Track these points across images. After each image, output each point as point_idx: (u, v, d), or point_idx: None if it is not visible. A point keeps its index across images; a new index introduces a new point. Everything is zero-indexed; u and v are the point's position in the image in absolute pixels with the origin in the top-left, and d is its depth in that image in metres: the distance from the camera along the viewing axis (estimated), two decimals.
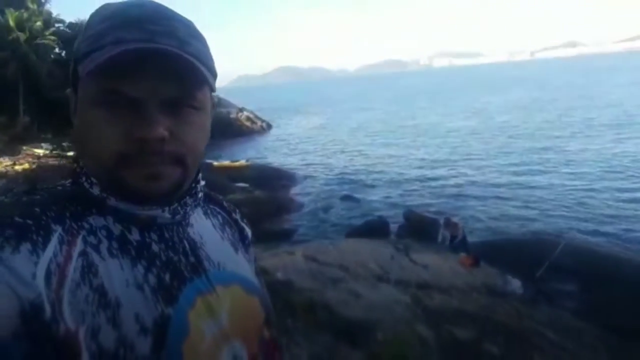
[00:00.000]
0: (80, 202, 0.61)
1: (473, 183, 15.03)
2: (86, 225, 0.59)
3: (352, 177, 17.29)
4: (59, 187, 0.64)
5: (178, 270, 0.62)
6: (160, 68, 0.55)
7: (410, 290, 5.59)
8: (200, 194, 0.69)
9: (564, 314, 5.72)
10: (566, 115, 28.42)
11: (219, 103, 5.74)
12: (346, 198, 14.48)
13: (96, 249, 0.57)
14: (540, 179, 14.90)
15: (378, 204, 13.75)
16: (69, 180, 0.65)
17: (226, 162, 18.95)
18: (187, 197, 0.65)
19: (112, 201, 0.60)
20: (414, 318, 4.69)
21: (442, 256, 7.63)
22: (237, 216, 0.81)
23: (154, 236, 0.62)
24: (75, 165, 0.65)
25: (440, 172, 17.06)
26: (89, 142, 0.58)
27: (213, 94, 0.65)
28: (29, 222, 0.55)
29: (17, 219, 0.55)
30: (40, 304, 0.51)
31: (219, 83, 0.65)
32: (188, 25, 0.60)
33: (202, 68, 0.57)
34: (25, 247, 0.52)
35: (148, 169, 0.57)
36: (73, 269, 0.54)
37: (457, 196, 13.78)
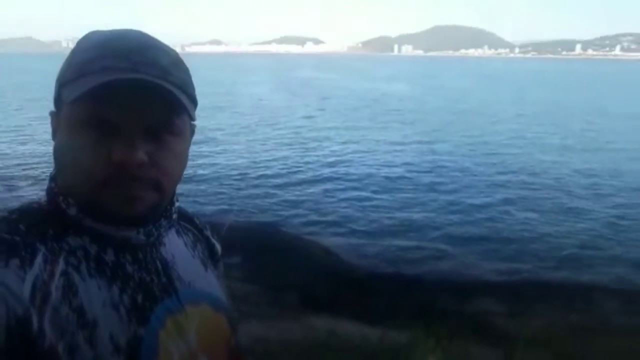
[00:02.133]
0: (58, 222, 0.62)
1: None
2: (66, 246, 0.60)
3: None
4: (35, 205, 0.64)
5: (150, 291, 0.64)
6: (142, 96, 0.58)
7: None
8: (175, 216, 0.71)
9: (234, 282, 6.80)
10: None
11: None
12: None
13: (77, 269, 0.59)
14: None
15: None
16: (45, 199, 0.65)
17: None
18: (162, 219, 0.67)
19: (88, 222, 0.61)
20: None
21: None
22: (208, 233, 0.83)
23: (128, 257, 0.64)
24: (52, 184, 0.65)
25: None
26: (69, 164, 0.60)
27: (192, 122, 0.68)
28: (17, 239, 0.57)
29: (4, 235, 0.57)
30: (29, 318, 0.52)
31: None
32: (170, 55, 0.63)
33: (182, 97, 0.60)
34: (14, 262, 0.54)
35: (126, 192, 0.59)
36: (55, 288, 0.56)
37: None
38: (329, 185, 13.21)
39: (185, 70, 0.65)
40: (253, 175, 13.55)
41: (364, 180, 13.80)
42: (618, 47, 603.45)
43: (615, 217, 11.23)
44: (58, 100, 0.63)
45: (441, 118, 26.61)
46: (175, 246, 0.72)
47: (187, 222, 0.80)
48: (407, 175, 14.40)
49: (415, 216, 10.96)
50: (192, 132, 0.70)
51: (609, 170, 15.17)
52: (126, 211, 0.60)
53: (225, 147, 17.27)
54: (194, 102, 0.66)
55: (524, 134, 21.64)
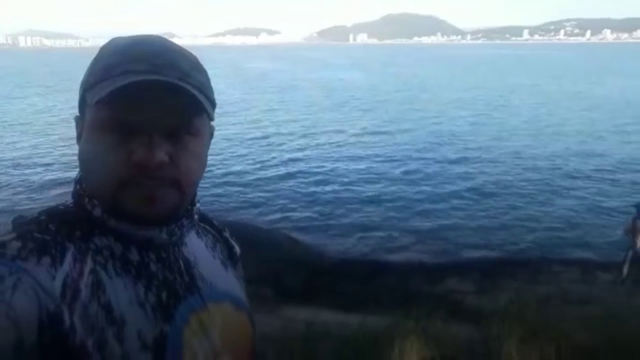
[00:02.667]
0: (84, 222, 0.63)
1: None
2: (92, 246, 0.61)
3: None
4: (61, 207, 0.66)
5: (174, 289, 0.65)
6: (161, 98, 0.59)
7: None
8: (196, 216, 0.72)
9: None
10: None
11: None
12: None
13: (104, 267, 0.60)
14: None
15: None
16: (71, 201, 0.67)
17: None
18: (184, 219, 0.68)
19: (112, 222, 0.62)
20: None
21: None
22: (227, 234, 0.84)
23: (152, 256, 0.65)
24: (77, 187, 0.66)
25: None
26: (93, 166, 0.61)
27: (212, 123, 0.69)
28: (47, 237, 0.59)
29: (36, 234, 0.58)
30: (60, 314, 0.53)
31: None
32: (190, 59, 0.65)
33: (201, 98, 0.61)
34: (46, 260, 0.56)
35: (145, 192, 0.60)
36: (84, 285, 0.57)
37: None
38: (293, 181, 13.16)
39: (204, 73, 0.66)
40: (217, 173, 13.39)
41: (329, 173, 13.83)
42: (562, 32, 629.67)
43: (575, 198, 11.78)
44: (82, 104, 0.64)
45: (400, 105, 27.05)
46: (197, 247, 0.74)
47: (207, 223, 0.81)
48: (372, 166, 14.52)
49: (381, 207, 11.06)
50: (211, 134, 0.71)
51: (568, 153, 15.80)
52: (145, 211, 0.61)
53: None
54: (213, 104, 0.67)
55: (482, 119, 22.29)
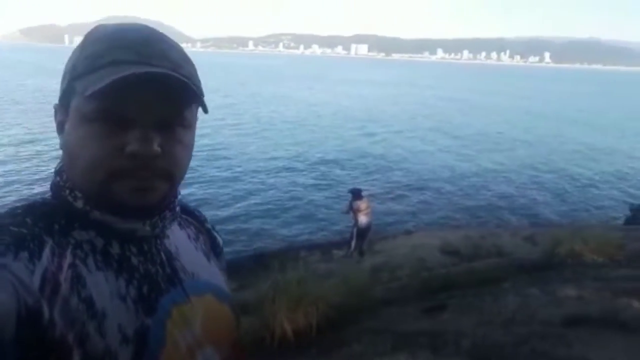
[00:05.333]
0: (63, 216, 0.62)
1: None
2: (72, 240, 0.60)
3: None
4: (39, 200, 0.64)
5: (155, 282, 0.65)
6: (155, 89, 0.58)
7: None
8: (178, 208, 0.71)
9: None
10: None
11: None
12: None
13: (84, 261, 0.59)
14: None
15: None
16: (49, 194, 0.65)
17: None
18: (167, 211, 0.67)
19: (95, 214, 0.62)
20: None
21: None
22: (209, 226, 0.83)
23: (133, 249, 0.65)
24: (57, 178, 0.65)
25: None
26: (80, 156, 0.60)
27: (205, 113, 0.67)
28: (24, 231, 0.57)
29: (12, 228, 0.57)
30: (39, 308, 0.53)
31: None
32: (179, 50, 0.64)
33: (194, 87, 0.60)
34: (24, 255, 0.55)
35: (139, 182, 0.59)
36: (64, 279, 0.56)
37: None
38: None
39: (192, 64, 0.66)
40: None
41: None
42: (281, 44, 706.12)
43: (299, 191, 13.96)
44: (68, 92, 0.62)
45: None
46: (179, 238, 0.73)
47: (188, 215, 0.80)
48: None
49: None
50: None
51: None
52: (139, 201, 0.61)
53: None
54: (202, 94, 0.65)
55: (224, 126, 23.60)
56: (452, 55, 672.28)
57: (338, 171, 16.57)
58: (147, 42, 0.60)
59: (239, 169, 15.71)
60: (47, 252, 0.57)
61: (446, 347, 3.03)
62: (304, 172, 16.07)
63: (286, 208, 12.48)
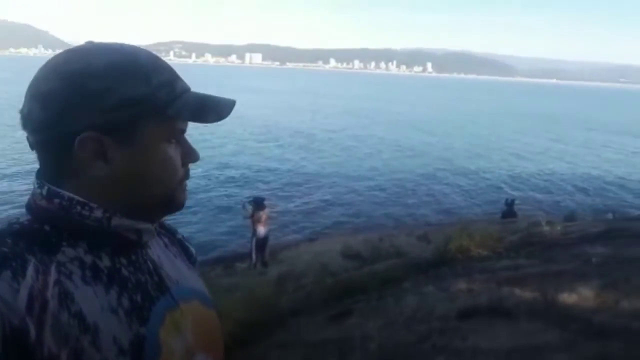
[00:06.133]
0: (46, 236, 0.62)
1: None
2: (54, 259, 0.60)
3: None
4: (16, 225, 0.63)
5: (146, 291, 0.67)
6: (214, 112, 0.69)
7: None
8: None
9: None
10: None
11: None
12: None
13: (69, 277, 0.60)
14: None
15: None
16: (26, 218, 0.64)
17: None
18: None
19: (115, 220, 0.66)
20: None
21: None
22: (180, 236, 0.87)
23: (123, 260, 0.67)
24: (56, 200, 0.64)
25: None
26: (156, 174, 0.67)
27: None
28: (5, 250, 0.57)
29: None
30: (25, 327, 0.52)
31: None
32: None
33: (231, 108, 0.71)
34: (6, 274, 0.54)
35: (186, 186, 0.72)
36: (51, 296, 0.56)
37: None
38: None
39: None
40: None
41: None
42: (172, 53, 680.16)
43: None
44: (133, 120, 0.64)
45: None
46: (158, 247, 0.76)
47: (159, 226, 0.82)
48: None
49: None
50: None
51: None
52: (185, 200, 0.72)
53: None
54: None
55: None
56: (345, 64, 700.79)
57: (235, 180, 16.32)
58: (161, 64, 0.69)
59: None
60: (30, 270, 0.57)
61: (354, 352, 3.09)
62: (203, 183, 15.59)
63: (182, 222, 11.96)
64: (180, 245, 0.85)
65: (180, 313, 0.69)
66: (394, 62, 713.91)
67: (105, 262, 0.64)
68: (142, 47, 0.70)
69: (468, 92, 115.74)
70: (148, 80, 0.64)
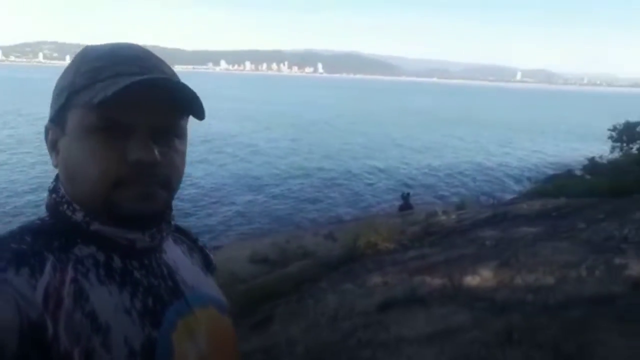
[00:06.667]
0: (63, 232, 0.62)
1: None
2: (72, 256, 0.60)
3: None
4: (37, 221, 0.64)
5: (159, 295, 0.65)
6: (153, 98, 0.60)
7: None
8: (173, 222, 0.72)
9: None
10: None
11: None
12: None
13: (85, 276, 0.59)
14: None
15: None
16: (46, 214, 0.66)
17: None
18: (163, 223, 0.68)
19: (95, 225, 0.62)
20: None
21: None
22: (201, 244, 0.85)
23: (135, 264, 0.65)
24: (53, 195, 0.65)
25: None
26: (84, 168, 0.60)
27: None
28: (24, 247, 0.57)
29: (13, 245, 0.57)
30: (42, 323, 0.52)
31: None
32: (169, 66, 0.68)
33: (193, 91, 0.62)
34: (25, 270, 0.54)
35: (141, 189, 0.60)
36: (67, 294, 0.56)
37: None
38: None
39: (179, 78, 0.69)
40: None
41: None
42: (41, 55, 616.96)
43: None
44: (64, 108, 0.63)
45: None
46: (175, 253, 0.75)
47: (180, 233, 0.81)
48: None
49: None
50: None
51: None
52: (142, 208, 0.61)
53: None
54: (199, 100, 0.67)
55: None
56: (236, 66, 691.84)
57: None
58: (141, 58, 0.64)
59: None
60: (48, 267, 0.57)
61: (281, 359, 3.06)
62: None
63: None
64: (201, 252, 0.84)
65: (195, 319, 0.68)
66: (286, 63, 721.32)
67: (117, 262, 0.64)
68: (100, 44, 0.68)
69: (358, 91, 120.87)
70: (77, 69, 0.64)
